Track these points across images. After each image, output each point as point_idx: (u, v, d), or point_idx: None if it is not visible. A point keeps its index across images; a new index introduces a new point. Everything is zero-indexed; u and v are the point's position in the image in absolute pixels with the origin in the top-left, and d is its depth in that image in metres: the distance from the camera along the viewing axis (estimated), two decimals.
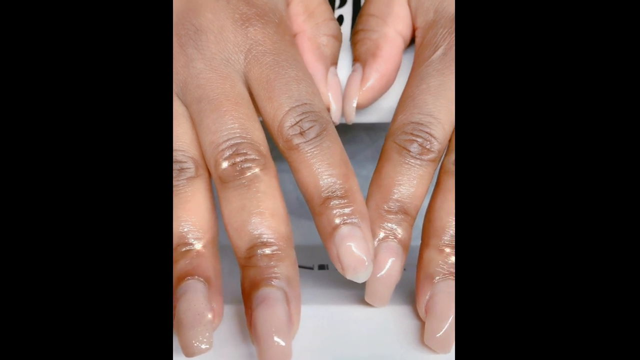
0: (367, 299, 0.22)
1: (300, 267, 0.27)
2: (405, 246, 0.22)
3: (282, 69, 0.23)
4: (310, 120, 0.22)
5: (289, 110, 0.22)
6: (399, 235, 0.22)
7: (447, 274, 0.21)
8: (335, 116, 0.25)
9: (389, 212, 0.22)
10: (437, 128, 0.22)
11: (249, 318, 0.20)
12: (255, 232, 0.21)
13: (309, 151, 0.22)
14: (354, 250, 0.20)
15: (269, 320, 0.19)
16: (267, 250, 0.20)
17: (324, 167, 0.21)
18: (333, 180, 0.21)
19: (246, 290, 0.20)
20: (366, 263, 0.21)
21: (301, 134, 0.22)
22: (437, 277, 0.21)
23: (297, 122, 0.22)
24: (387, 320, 0.22)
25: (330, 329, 0.22)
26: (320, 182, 0.21)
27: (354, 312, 0.23)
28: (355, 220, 0.21)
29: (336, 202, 0.21)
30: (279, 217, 0.21)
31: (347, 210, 0.21)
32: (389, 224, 0.22)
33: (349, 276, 0.21)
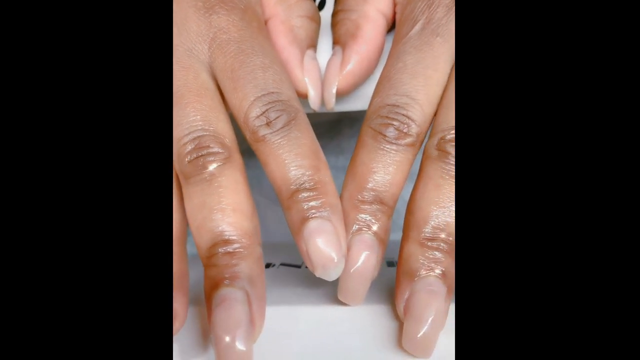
0: (340, 297, 0.20)
1: (288, 265, 0.26)
2: (381, 239, 0.20)
3: (247, 57, 0.21)
4: (277, 110, 0.20)
5: (254, 100, 0.20)
6: (374, 227, 0.20)
7: (428, 269, 0.19)
8: (314, 102, 0.24)
9: (363, 202, 0.20)
10: (414, 109, 0.20)
11: (209, 320, 0.18)
12: (217, 230, 0.19)
13: (275, 142, 0.20)
14: (322, 246, 0.19)
15: (227, 322, 0.18)
16: (229, 248, 0.19)
17: (291, 158, 0.20)
18: (301, 172, 0.20)
19: (207, 291, 0.19)
20: (335, 260, 0.19)
21: (267, 124, 0.20)
22: (417, 274, 0.19)
23: (263, 113, 0.20)
24: (365, 320, 0.20)
25: (307, 330, 0.20)
26: (289, 174, 0.20)
27: (334, 312, 0.21)
28: (325, 214, 0.19)
29: (305, 194, 0.19)
30: (241, 213, 0.20)
31: (316, 203, 0.19)
32: (363, 215, 0.20)
33: (319, 274, 0.19)
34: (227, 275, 0.19)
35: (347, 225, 0.20)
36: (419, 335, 0.18)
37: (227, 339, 0.18)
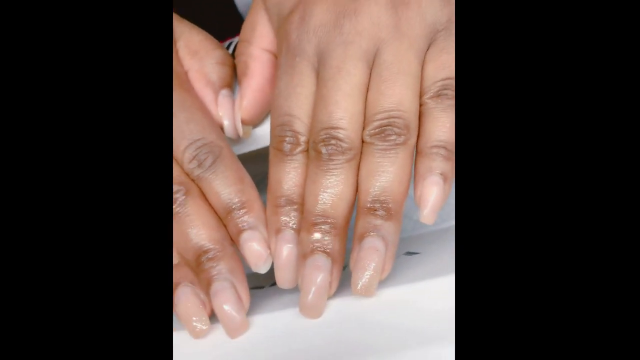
0: (278, 285, 0.26)
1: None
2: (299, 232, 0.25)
3: (173, 115, 0.27)
4: (205, 152, 0.26)
5: (184, 149, 0.26)
6: (291, 224, 0.25)
7: (313, 249, 0.24)
8: (228, 131, 0.29)
9: (279, 206, 0.26)
10: (297, 124, 0.25)
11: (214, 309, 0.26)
12: (196, 245, 0.25)
13: (207, 177, 0.26)
14: (256, 248, 0.25)
15: (223, 301, 0.25)
16: (209, 255, 0.25)
17: (222, 187, 0.26)
18: (230, 197, 0.26)
19: (205, 290, 0.26)
20: (265, 256, 0.25)
21: (199, 165, 0.26)
22: (305, 255, 0.24)
23: (194, 157, 0.26)
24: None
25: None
26: (222, 200, 0.26)
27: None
28: (253, 224, 0.25)
29: (235, 213, 0.26)
30: (209, 227, 0.26)
31: (246, 218, 0.26)
32: (283, 217, 0.25)
33: (254, 269, 0.25)
34: (213, 274, 0.25)
35: (271, 228, 0.26)
36: (306, 301, 0.24)
37: (225, 307, 0.25)
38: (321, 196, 0.24)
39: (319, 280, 0.24)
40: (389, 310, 0.24)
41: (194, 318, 0.25)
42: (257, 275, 0.29)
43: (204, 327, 0.25)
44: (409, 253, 0.29)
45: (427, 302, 0.23)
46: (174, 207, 0.25)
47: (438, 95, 0.24)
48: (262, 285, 0.31)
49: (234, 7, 0.46)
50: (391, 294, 0.24)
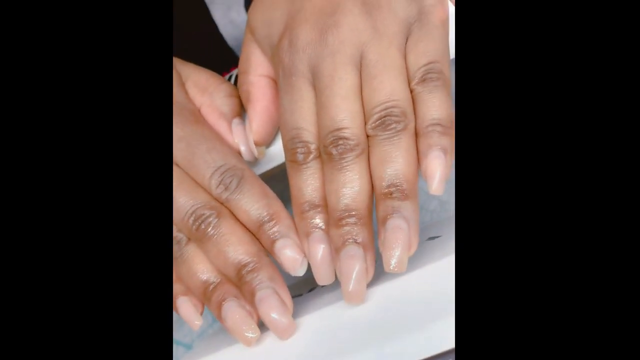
0: (317, 282, 0.28)
1: (312, 289, 0.33)
2: (327, 232, 0.28)
3: (195, 147, 0.29)
4: (229, 176, 0.29)
5: (210, 176, 0.29)
6: (320, 225, 0.28)
7: (345, 242, 0.26)
8: (246, 155, 0.32)
9: (304, 212, 0.28)
10: (305, 134, 0.28)
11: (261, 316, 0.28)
12: (235, 260, 0.28)
13: (235, 198, 0.29)
14: (290, 255, 0.28)
15: (269, 308, 0.27)
16: (249, 268, 0.28)
17: (250, 205, 0.28)
18: (259, 212, 0.28)
19: (249, 300, 0.28)
20: (301, 260, 0.28)
21: (226, 189, 0.29)
22: (338, 249, 0.26)
23: (221, 182, 0.29)
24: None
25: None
26: (252, 217, 0.28)
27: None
28: (284, 232, 0.28)
29: (266, 226, 0.28)
30: (244, 242, 0.28)
31: (276, 228, 0.28)
32: (310, 220, 0.28)
33: (293, 274, 0.28)
34: (255, 284, 0.27)
35: (302, 233, 0.28)
36: (349, 290, 0.26)
37: (273, 315, 0.27)
38: (341, 193, 0.26)
39: (356, 268, 0.26)
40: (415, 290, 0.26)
41: (244, 328, 0.28)
42: (295, 285, 0.31)
43: (254, 335, 0.28)
44: (431, 238, 0.31)
45: (438, 280, 0.25)
46: (208, 230, 0.28)
47: (423, 80, 0.27)
48: (300, 293, 0.33)
49: (225, 44, 0.49)
50: (416, 274, 0.26)
